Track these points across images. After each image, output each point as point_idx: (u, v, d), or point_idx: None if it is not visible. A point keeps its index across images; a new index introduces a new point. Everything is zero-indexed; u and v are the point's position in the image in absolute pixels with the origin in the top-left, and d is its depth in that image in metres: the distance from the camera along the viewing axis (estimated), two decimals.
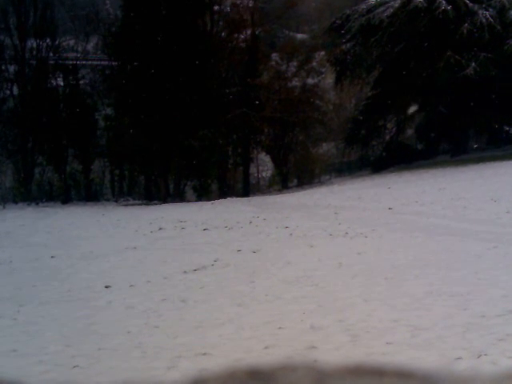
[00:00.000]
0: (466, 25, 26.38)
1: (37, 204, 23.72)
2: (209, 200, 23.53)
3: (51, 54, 27.06)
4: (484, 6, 27.24)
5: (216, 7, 28.71)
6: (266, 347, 4.62)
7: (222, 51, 28.41)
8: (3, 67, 26.61)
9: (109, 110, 28.51)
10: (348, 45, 31.41)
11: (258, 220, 13.25)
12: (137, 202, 26.56)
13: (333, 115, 37.05)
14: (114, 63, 27.40)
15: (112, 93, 27.54)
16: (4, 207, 21.84)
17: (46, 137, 26.34)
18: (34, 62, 26.56)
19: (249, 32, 29.98)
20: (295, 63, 32.61)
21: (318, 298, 6.06)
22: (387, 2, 29.16)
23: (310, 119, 31.68)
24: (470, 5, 26.97)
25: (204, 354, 4.59)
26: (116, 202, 26.67)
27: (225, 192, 27.71)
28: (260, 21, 30.31)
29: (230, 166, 31.35)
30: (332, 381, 0.54)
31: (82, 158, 27.95)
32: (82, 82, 28.57)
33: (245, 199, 23.10)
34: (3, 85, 26.79)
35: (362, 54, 31.16)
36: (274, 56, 32.72)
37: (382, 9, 29.11)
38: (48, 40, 26.67)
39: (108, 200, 27.62)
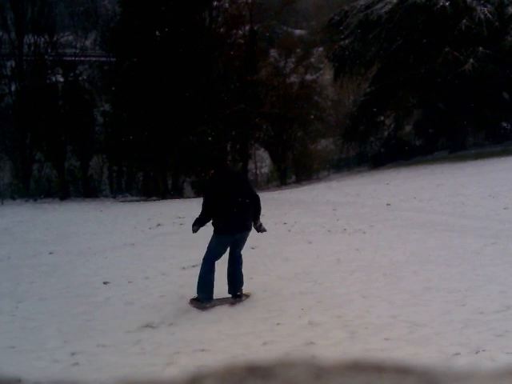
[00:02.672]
0: (465, 21, 26.36)
1: (35, 200, 23.70)
2: None
3: (49, 50, 26.99)
4: (482, 1, 27.21)
5: (215, 3, 28.63)
6: (265, 343, 4.63)
7: (221, 47, 28.36)
8: (1, 63, 26.55)
9: (107, 106, 28.48)
10: (346, 41, 31.38)
11: None
12: (135, 198, 26.54)
13: (331, 111, 37.07)
14: (112, 59, 27.34)
15: (110, 89, 27.48)
16: (2, 203, 21.82)
17: (44, 133, 26.31)
18: (31, 58, 26.49)
19: (247, 28, 29.92)
20: (293, 59, 32.58)
21: (317, 294, 6.07)
22: None
23: (308, 115, 31.66)
24: (469, 1, 26.96)
25: (202, 350, 4.59)
26: (114, 198, 26.65)
27: None
28: (258, 17, 30.26)
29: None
30: (330, 377, 0.54)
31: (80, 154, 27.94)
32: (80, 78, 28.51)
33: None
34: (1, 81, 26.74)
35: (361, 50, 31.12)
36: (273, 52, 32.68)
37: (380, 5, 29.08)
38: (46, 36, 26.59)
39: (106, 196, 27.61)
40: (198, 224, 6.11)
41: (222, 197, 5.94)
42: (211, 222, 6.06)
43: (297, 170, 35.26)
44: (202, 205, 6.10)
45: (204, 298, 5.92)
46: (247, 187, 6.22)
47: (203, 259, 6.05)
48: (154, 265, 8.74)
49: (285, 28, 35.55)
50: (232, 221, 5.94)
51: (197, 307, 5.87)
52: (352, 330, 4.73)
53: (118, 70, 26.44)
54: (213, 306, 5.88)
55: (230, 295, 6.21)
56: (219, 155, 6.77)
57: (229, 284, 6.17)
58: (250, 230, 6.15)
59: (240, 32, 30.09)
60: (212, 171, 6.16)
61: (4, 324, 5.89)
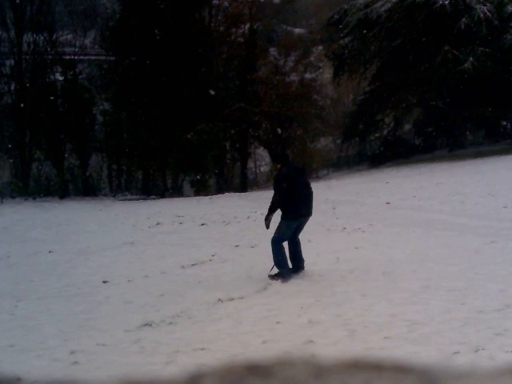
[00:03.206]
0: (464, 19, 26.35)
1: (34, 199, 23.67)
2: (206, 195, 23.51)
3: (49, 49, 26.95)
4: (482, 0, 27.19)
5: (215, 1, 28.60)
6: (264, 342, 4.63)
7: (221, 46, 28.34)
8: (0, 61, 26.52)
9: (106, 105, 28.44)
10: (346, 39, 31.38)
11: (256, 215, 13.25)
12: (134, 196, 26.52)
13: (331, 110, 37.04)
14: (111, 58, 27.31)
15: (110, 87, 27.46)
16: (2, 202, 21.80)
17: (44, 132, 26.28)
18: (31, 57, 26.44)
19: (247, 26, 29.89)
20: (293, 58, 32.55)
21: (316, 293, 6.07)
22: None
23: (307, 114, 31.60)
24: None
25: (202, 348, 4.59)
26: (114, 196, 26.64)
27: (222, 187, 27.68)
28: (258, 15, 30.24)
29: (227, 161, 31.31)
30: (330, 375, 0.54)
31: (79, 152, 27.92)
32: (79, 76, 28.48)
33: (242, 194, 23.10)
34: (0, 80, 26.70)
35: (360, 49, 31.13)
36: (272, 51, 32.65)
37: (379, 3, 29.06)
38: (45, 34, 26.55)
39: (106, 195, 27.59)
40: (271, 211, 6.97)
41: (291, 187, 6.88)
42: (281, 209, 6.99)
43: None
44: (275, 194, 7.01)
45: (285, 271, 6.84)
46: (307, 180, 7.45)
47: (272, 241, 6.96)
48: (154, 263, 8.74)
49: (284, 27, 35.47)
50: (299, 207, 6.98)
51: (283, 280, 6.69)
52: (351, 329, 4.74)
53: (117, 68, 26.42)
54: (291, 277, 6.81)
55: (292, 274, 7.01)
56: (284, 152, 8.08)
57: (292, 262, 7.04)
58: (311, 215, 7.23)
59: (240, 30, 30.06)
60: (279, 166, 7.21)
61: (3, 323, 5.88)
